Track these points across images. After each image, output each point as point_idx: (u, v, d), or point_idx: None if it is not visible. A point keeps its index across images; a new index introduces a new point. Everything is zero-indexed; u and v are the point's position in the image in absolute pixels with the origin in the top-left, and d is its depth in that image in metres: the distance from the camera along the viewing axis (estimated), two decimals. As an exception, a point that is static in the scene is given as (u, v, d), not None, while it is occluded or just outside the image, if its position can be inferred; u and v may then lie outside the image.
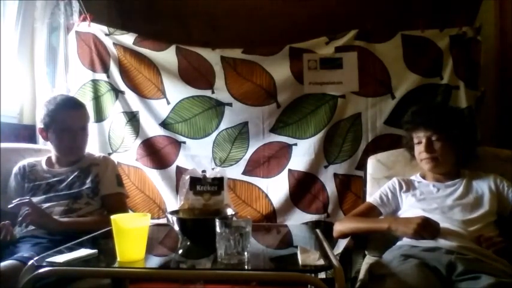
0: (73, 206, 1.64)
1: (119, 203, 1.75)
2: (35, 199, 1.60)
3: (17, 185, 1.68)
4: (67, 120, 1.69)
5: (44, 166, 1.73)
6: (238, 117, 2.20)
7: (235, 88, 2.20)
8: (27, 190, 1.66)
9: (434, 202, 1.52)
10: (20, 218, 1.49)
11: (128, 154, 2.24)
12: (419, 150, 1.58)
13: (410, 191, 1.60)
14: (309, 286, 1.16)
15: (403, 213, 1.57)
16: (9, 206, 1.48)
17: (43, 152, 1.81)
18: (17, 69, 2.02)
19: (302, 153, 2.15)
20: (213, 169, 2.13)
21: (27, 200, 1.51)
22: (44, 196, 1.64)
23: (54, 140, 1.71)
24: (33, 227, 1.52)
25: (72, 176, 1.70)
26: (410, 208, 1.55)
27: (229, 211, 1.38)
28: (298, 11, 2.46)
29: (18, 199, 1.50)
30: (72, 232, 1.43)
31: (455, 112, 1.73)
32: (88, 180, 1.70)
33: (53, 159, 1.76)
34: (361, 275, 1.45)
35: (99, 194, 1.71)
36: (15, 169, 1.71)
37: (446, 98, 2.03)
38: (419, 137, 1.58)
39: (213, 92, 2.21)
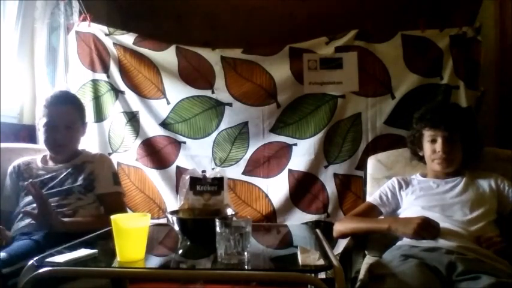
0: (63, 202, 1.63)
1: (116, 203, 1.74)
2: (29, 197, 1.60)
3: (12, 184, 1.69)
4: (49, 116, 1.68)
5: (39, 164, 1.73)
6: (238, 117, 2.20)
7: (235, 88, 2.20)
8: (22, 188, 1.66)
9: (433, 199, 1.52)
10: (22, 210, 1.50)
11: (127, 154, 2.24)
12: (434, 149, 1.56)
13: (409, 189, 1.60)
14: (309, 286, 1.16)
15: (402, 211, 1.57)
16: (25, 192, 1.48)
17: (43, 152, 1.80)
18: (17, 69, 2.02)
19: (302, 153, 2.15)
20: (213, 169, 2.13)
21: (41, 192, 1.50)
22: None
23: (41, 136, 1.72)
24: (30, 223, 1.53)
25: (65, 173, 1.69)
26: (409, 206, 1.55)
27: (229, 211, 1.38)
28: (298, 11, 2.45)
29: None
30: (73, 232, 1.43)
31: (469, 113, 1.73)
32: (81, 178, 1.69)
33: (48, 156, 1.76)
34: (361, 275, 1.45)
35: (93, 191, 1.70)
36: (10, 168, 1.71)
37: (447, 98, 2.03)
38: (434, 136, 1.55)
39: (213, 92, 2.21)
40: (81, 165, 1.73)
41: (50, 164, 1.74)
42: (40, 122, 1.70)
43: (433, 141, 1.56)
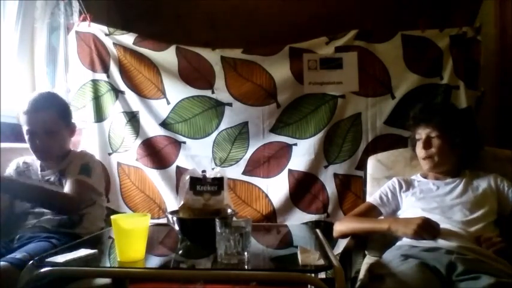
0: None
1: (75, 189, 1.58)
2: (24, 206, 1.61)
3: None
4: (28, 124, 1.63)
5: (38, 167, 1.72)
6: (238, 117, 2.20)
7: (235, 88, 2.20)
8: None
9: (433, 201, 1.52)
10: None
11: (128, 154, 2.24)
12: (419, 147, 1.59)
13: (410, 191, 1.60)
14: (309, 286, 1.16)
15: (402, 212, 1.57)
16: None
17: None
18: (17, 69, 2.02)
19: (302, 153, 2.15)
20: (213, 169, 2.12)
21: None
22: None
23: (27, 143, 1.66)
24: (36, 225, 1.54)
25: (52, 180, 1.67)
26: (410, 208, 1.55)
27: (229, 211, 1.38)
28: (298, 11, 2.46)
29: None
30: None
31: (458, 112, 1.73)
32: (64, 182, 1.64)
33: None
34: (361, 275, 1.45)
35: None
36: (14, 164, 1.72)
37: (446, 98, 2.03)
38: (420, 134, 1.59)
39: (213, 92, 2.21)
40: (65, 169, 1.68)
41: (45, 168, 1.72)
42: (24, 129, 1.65)
43: (419, 139, 1.58)
